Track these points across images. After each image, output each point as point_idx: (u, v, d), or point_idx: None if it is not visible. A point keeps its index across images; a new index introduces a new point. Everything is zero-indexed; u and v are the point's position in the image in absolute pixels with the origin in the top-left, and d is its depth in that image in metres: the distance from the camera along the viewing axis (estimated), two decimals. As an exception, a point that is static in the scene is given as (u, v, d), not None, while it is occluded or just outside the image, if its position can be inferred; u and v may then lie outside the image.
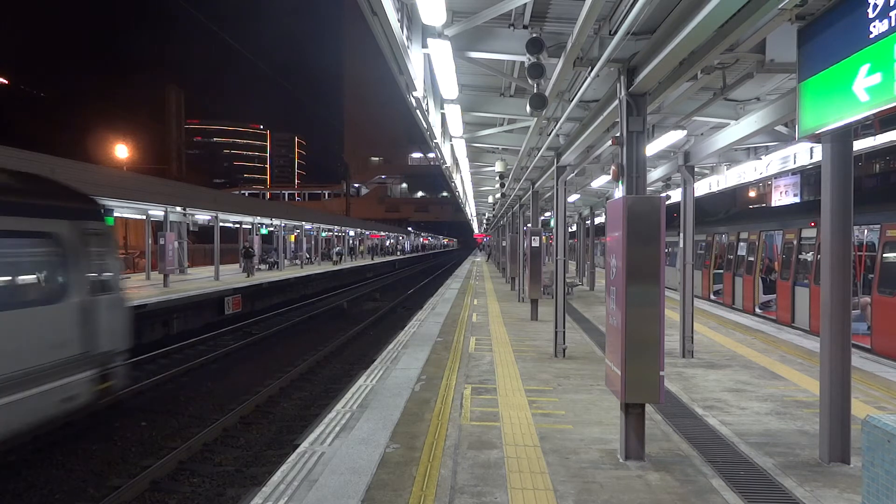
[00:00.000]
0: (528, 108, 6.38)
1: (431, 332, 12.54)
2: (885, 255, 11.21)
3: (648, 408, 5.62)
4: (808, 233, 14.17)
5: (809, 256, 13.90)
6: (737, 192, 36.12)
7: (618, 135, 5.70)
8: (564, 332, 10.07)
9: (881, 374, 8.48)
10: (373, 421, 6.43)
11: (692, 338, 9.87)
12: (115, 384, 8.43)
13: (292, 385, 12.63)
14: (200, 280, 24.77)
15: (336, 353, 16.12)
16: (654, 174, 13.02)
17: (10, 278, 7.14)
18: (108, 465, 8.29)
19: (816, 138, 5.48)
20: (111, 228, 10.80)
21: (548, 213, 27.74)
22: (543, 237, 15.01)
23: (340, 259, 46.68)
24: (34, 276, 7.56)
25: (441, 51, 5.98)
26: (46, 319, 7.28)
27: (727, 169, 13.11)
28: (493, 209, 32.87)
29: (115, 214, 20.79)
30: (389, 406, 7.02)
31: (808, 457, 5.39)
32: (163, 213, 22.47)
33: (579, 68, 6.22)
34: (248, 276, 27.31)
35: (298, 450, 5.61)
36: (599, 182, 16.37)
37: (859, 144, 9.70)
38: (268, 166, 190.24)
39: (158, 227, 24.98)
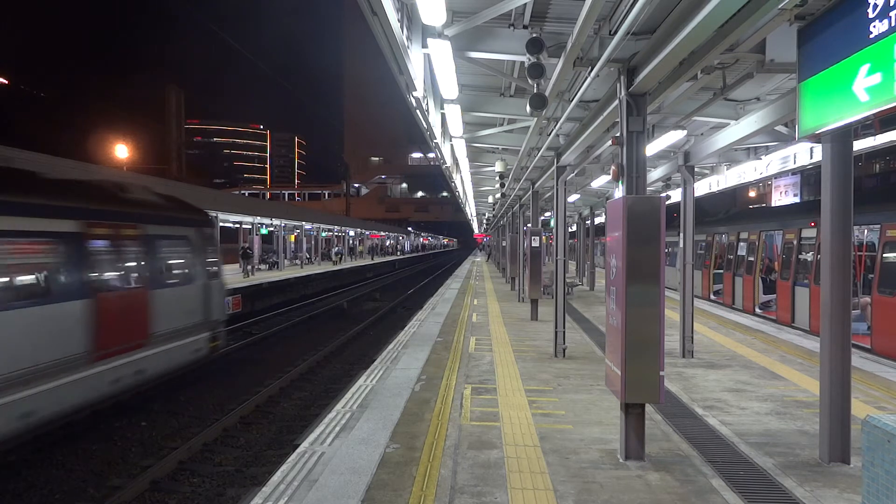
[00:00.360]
0: (528, 108, 6.38)
1: (431, 332, 12.54)
2: (884, 255, 11.21)
3: (648, 408, 5.62)
4: (808, 233, 14.17)
5: (809, 256, 13.90)
6: (737, 192, 36.14)
7: (618, 135, 5.70)
8: (564, 332, 10.07)
9: (881, 374, 8.48)
10: (373, 421, 6.43)
11: (692, 338, 9.87)
12: (220, 343, 12.60)
13: (292, 385, 12.63)
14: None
15: (336, 353, 16.12)
16: (654, 174, 13.02)
17: (167, 267, 11.13)
18: (108, 465, 8.29)
19: (816, 138, 5.49)
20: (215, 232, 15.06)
21: (548, 213, 27.75)
22: (543, 237, 15.02)
23: (340, 259, 46.71)
24: (180, 266, 11.57)
25: (441, 51, 5.98)
26: (187, 295, 11.38)
27: (727, 169, 13.11)
28: (493, 209, 32.87)
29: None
30: (389, 406, 7.02)
31: (808, 457, 5.39)
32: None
33: (579, 68, 6.22)
34: (246, 277, 27.44)
35: (298, 450, 5.61)
36: (599, 182, 16.37)
37: (859, 144, 9.70)
38: (268, 166, 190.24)
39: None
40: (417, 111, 8.42)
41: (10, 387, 7.22)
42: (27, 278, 7.93)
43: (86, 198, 9.44)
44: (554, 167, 10.73)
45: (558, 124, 9.10)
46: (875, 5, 3.61)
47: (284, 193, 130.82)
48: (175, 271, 11.33)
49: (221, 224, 28.23)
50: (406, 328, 13.61)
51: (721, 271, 19.68)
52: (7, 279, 7.57)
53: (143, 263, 10.30)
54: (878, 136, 9.57)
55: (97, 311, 8.75)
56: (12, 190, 7.96)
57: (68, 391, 8.23)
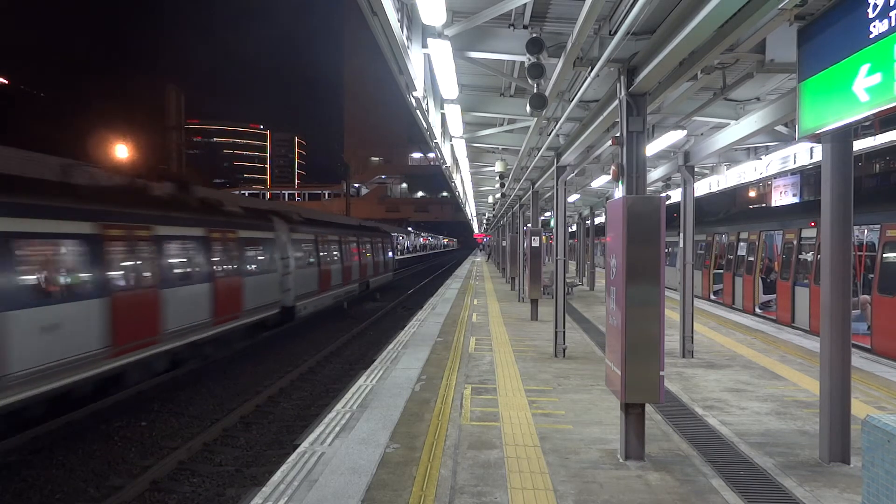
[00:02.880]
0: (528, 108, 6.38)
1: (431, 332, 12.54)
2: (884, 255, 11.21)
3: (648, 408, 5.62)
4: (808, 233, 14.17)
5: (809, 256, 13.90)
6: (737, 192, 36.08)
7: (618, 135, 5.70)
8: (564, 332, 10.07)
9: (881, 374, 8.48)
10: (373, 421, 6.43)
11: (692, 338, 9.87)
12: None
13: (292, 385, 12.62)
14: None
15: (336, 353, 16.12)
16: (654, 174, 13.02)
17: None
18: (108, 465, 8.29)
19: (816, 138, 5.49)
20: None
21: (548, 213, 27.75)
22: (543, 237, 15.01)
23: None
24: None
25: (441, 51, 5.98)
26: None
27: (727, 169, 13.12)
28: (493, 209, 32.86)
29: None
30: (389, 406, 7.02)
31: (808, 457, 5.39)
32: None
33: (579, 68, 6.22)
34: None
35: (298, 450, 5.61)
36: (599, 182, 16.37)
37: (859, 144, 9.71)
38: (268, 166, 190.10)
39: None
40: (417, 111, 8.42)
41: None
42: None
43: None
44: (554, 167, 10.73)
45: (558, 124, 9.09)
46: (875, 5, 3.61)
47: (284, 193, 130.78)
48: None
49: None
50: (406, 328, 13.61)
51: (721, 271, 19.68)
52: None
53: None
54: (878, 136, 9.58)
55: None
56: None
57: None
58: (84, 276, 9.78)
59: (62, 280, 9.46)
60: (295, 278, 18.72)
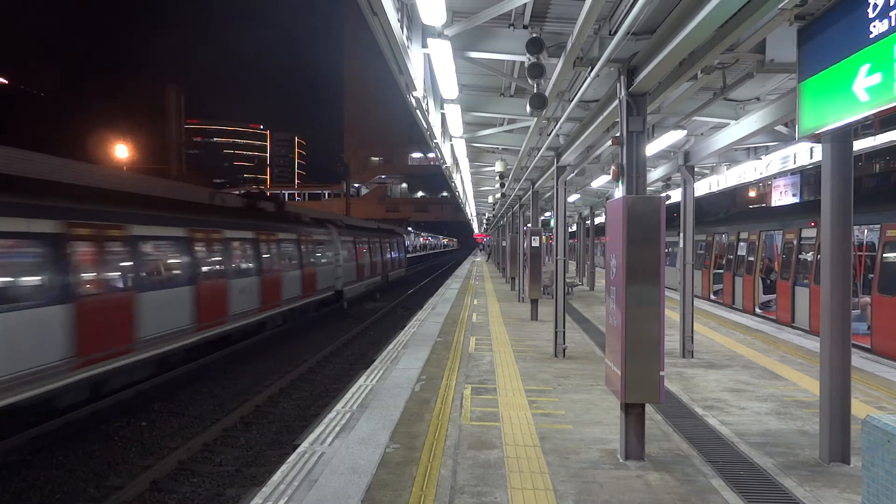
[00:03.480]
0: (528, 108, 6.38)
1: (431, 332, 12.54)
2: (884, 255, 11.21)
3: (648, 408, 5.62)
4: (808, 233, 14.17)
5: (809, 256, 13.90)
6: (737, 192, 36.09)
7: (618, 135, 5.70)
8: (564, 332, 10.07)
9: (881, 374, 8.48)
10: (373, 421, 6.43)
11: (692, 338, 9.87)
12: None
13: (292, 385, 12.63)
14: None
15: (336, 353, 16.12)
16: (654, 174, 13.02)
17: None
18: (108, 465, 8.29)
19: (816, 138, 5.49)
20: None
21: (548, 213, 27.75)
22: (543, 237, 15.01)
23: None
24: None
25: (441, 51, 5.98)
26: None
27: (727, 169, 13.11)
28: (493, 209, 32.86)
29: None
30: (389, 406, 7.02)
31: (808, 457, 5.40)
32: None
33: (579, 68, 6.21)
34: None
35: (298, 450, 5.61)
36: (599, 182, 16.37)
37: (859, 144, 9.71)
38: (268, 166, 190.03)
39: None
40: (417, 111, 8.42)
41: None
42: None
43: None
44: (554, 167, 10.73)
45: (558, 124, 9.09)
46: (875, 5, 3.61)
47: (284, 193, 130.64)
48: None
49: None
50: (406, 328, 13.61)
51: (721, 271, 19.68)
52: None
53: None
54: (878, 136, 9.58)
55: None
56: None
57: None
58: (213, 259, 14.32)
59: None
60: (343, 270, 24.80)
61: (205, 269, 13.56)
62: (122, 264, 10.64)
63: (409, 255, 57.35)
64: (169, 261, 12.50)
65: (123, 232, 10.67)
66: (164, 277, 12.21)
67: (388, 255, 36.68)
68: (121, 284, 10.55)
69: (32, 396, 8.19)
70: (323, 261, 22.52)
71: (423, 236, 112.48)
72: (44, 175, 11.49)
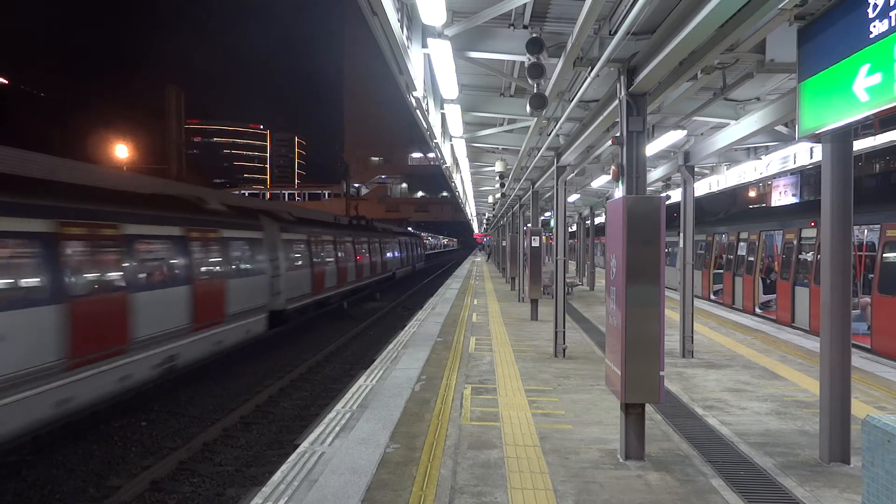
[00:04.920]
0: (528, 108, 6.38)
1: (431, 332, 12.54)
2: (884, 255, 11.21)
3: (648, 408, 5.62)
4: (808, 233, 14.17)
5: (809, 256, 13.90)
6: (737, 192, 36.09)
7: (618, 135, 5.70)
8: (564, 332, 10.06)
9: (881, 374, 8.48)
10: (373, 421, 6.43)
11: (692, 338, 9.87)
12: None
13: (292, 385, 12.63)
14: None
15: (336, 353, 16.12)
16: (654, 174, 13.02)
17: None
18: (108, 465, 8.29)
19: (816, 138, 5.48)
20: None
21: (548, 213, 27.74)
22: (543, 237, 15.01)
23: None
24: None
25: (441, 51, 5.98)
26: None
27: (727, 169, 13.11)
28: (493, 209, 32.84)
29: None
30: (389, 406, 7.02)
31: (808, 457, 5.39)
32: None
33: (579, 68, 6.21)
34: None
35: (298, 450, 5.61)
36: (599, 182, 16.36)
37: (859, 144, 9.71)
38: (268, 166, 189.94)
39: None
40: (417, 111, 8.42)
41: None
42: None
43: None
44: (554, 167, 10.73)
45: (558, 124, 9.09)
46: (875, 5, 3.61)
47: (284, 193, 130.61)
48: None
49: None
50: (406, 328, 13.60)
51: (721, 271, 19.68)
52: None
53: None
54: (878, 136, 9.58)
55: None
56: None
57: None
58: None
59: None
60: (398, 260, 36.44)
61: None
62: None
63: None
64: None
65: None
66: None
67: (415, 252, 50.47)
68: None
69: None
70: (390, 255, 36.19)
71: (422, 236, 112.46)
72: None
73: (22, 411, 7.70)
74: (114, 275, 9.97)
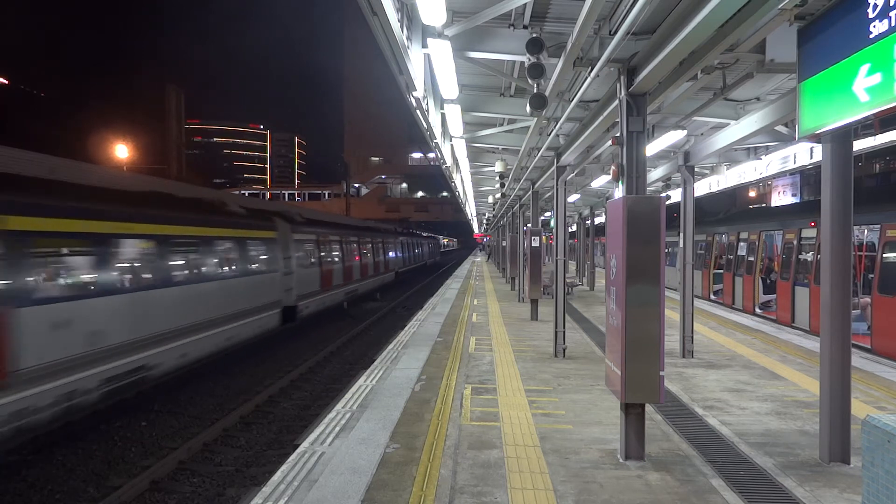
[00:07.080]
0: (528, 108, 6.38)
1: (431, 332, 12.54)
2: (884, 255, 11.21)
3: (648, 408, 5.62)
4: (808, 233, 14.17)
5: (809, 256, 13.90)
6: (737, 192, 36.07)
7: (618, 135, 5.70)
8: (564, 332, 10.06)
9: (881, 374, 8.48)
10: (373, 421, 6.43)
11: (692, 338, 9.87)
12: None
13: (292, 385, 12.63)
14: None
15: (336, 353, 16.12)
16: (654, 174, 13.02)
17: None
18: (108, 465, 8.30)
19: (816, 138, 5.49)
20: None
21: (548, 213, 27.74)
22: (543, 237, 15.01)
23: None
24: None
25: (441, 51, 5.98)
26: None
27: (727, 169, 13.10)
28: (493, 209, 32.84)
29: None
30: (389, 406, 7.02)
31: (808, 457, 5.40)
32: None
33: (579, 68, 6.21)
34: None
35: (298, 450, 5.61)
36: (599, 182, 16.36)
37: (859, 144, 9.70)
38: (268, 166, 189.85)
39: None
40: (417, 111, 8.42)
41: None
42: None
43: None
44: (554, 167, 10.73)
45: (558, 124, 9.09)
46: (875, 5, 3.61)
47: (284, 193, 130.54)
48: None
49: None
50: (406, 328, 13.60)
51: (721, 271, 19.68)
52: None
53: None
54: (878, 136, 9.57)
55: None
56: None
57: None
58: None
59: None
60: (407, 257, 39.29)
61: None
62: None
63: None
64: None
65: None
66: None
67: (431, 248, 57.00)
68: None
69: None
70: (410, 254, 41.31)
71: (423, 235, 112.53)
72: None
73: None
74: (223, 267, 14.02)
